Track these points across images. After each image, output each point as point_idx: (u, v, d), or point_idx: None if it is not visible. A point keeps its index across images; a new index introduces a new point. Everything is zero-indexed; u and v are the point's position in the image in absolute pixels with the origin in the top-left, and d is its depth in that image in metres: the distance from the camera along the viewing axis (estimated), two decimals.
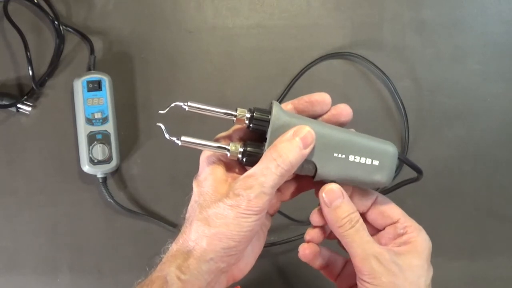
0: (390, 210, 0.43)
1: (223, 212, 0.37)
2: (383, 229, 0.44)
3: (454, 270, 0.64)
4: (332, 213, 0.40)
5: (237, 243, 0.38)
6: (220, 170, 0.41)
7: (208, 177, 0.40)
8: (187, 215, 0.41)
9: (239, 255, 0.40)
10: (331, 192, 0.40)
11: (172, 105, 0.40)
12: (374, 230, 0.45)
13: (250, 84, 0.64)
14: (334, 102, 0.42)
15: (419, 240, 0.42)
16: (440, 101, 0.66)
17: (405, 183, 0.45)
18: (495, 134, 0.66)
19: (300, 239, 0.61)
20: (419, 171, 0.44)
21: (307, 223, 0.62)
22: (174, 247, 0.40)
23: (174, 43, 0.64)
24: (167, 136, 0.39)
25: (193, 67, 0.63)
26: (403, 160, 0.44)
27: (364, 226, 0.41)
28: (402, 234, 0.42)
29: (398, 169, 0.57)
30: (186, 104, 0.39)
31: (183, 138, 0.39)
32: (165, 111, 0.40)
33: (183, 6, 0.64)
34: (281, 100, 0.63)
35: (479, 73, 0.66)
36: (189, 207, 0.41)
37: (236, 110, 0.40)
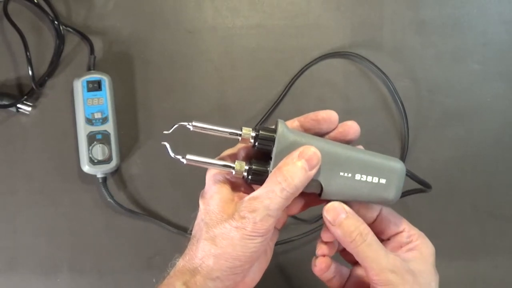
0: (396, 221, 0.43)
1: (229, 233, 0.38)
2: (388, 239, 0.44)
3: (454, 270, 0.64)
4: (339, 230, 0.40)
5: (243, 263, 0.38)
6: (226, 189, 0.41)
7: (215, 196, 0.40)
8: (193, 232, 0.41)
9: (245, 272, 0.40)
10: (332, 210, 0.40)
11: (177, 125, 0.40)
12: (379, 240, 0.45)
13: (250, 84, 0.64)
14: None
15: (423, 246, 0.42)
16: (440, 101, 0.66)
17: (412, 192, 0.45)
18: (495, 134, 0.66)
19: (300, 239, 0.61)
20: (427, 186, 0.44)
21: (309, 222, 0.62)
22: (181, 262, 0.40)
23: (174, 43, 0.63)
24: (172, 154, 0.39)
25: (193, 67, 0.63)
26: (411, 177, 0.43)
27: (375, 237, 0.40)
28: (408, 243, 0.43)
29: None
30: (190, 124, 0.40)
31: (188, 156, 0.40)
32: (169, 132, 0.40)
33: (183, 6, 0.64)
34: (280, 99, 0.63)
35: (479, 73, 0.66)
36: (196, 225, 0.41)
37: (241, 129, 0.40)
